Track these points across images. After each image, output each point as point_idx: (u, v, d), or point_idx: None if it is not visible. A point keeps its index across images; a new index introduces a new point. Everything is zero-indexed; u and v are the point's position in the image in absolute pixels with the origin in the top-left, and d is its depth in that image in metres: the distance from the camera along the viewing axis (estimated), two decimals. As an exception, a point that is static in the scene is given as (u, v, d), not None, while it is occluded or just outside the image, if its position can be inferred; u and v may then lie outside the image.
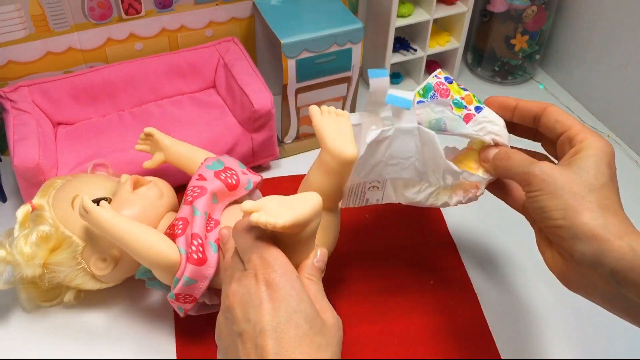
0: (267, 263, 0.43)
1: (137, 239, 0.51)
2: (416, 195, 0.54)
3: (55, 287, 0.59)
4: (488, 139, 0.51)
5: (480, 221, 0.71)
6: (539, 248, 0.47)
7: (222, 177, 0.57)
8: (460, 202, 0.53)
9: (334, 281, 0.61)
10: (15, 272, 0.55)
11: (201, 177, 0.56)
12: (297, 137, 0.80)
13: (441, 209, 0.72)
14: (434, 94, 0.53)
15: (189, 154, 0.62)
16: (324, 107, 0.55)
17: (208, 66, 0.77)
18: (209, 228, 0.54)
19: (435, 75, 0.54)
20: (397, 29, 0.81)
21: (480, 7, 0.87)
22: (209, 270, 0.52)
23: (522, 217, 0.71)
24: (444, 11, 0.83)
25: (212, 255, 0.52)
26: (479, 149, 0.53)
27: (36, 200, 0.57)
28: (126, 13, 0.73)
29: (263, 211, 0.43)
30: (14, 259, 0.54)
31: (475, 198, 0.53)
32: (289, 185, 0.72)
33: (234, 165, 0.60)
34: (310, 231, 0.46)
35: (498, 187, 0.54)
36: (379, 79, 0.51)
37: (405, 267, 0.65)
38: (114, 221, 0.51)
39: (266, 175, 0.76)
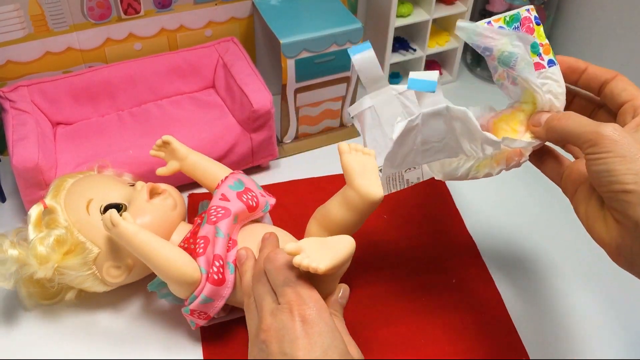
0: (302, 299, 0.45)
1: (161, 256, 0.51)
2: (455, 171, 0.52)
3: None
4: (546, 98, 0.49)
5: (498, 218, 0.71)
6: (587, 220, 0.45)
7: (244, 199, 0.57)
8: (501, 171, 0.51)
9: (359, 284, 0.62)
10: (23, 271, 0.55)
11: (224, 198, 0.57)
12: (297, 137, 0.79)
13: (457, 206, 0.72)
14: (518, 27, 0.50)
15: (204, 167, 0.62)
16: (352, 144, 0.56)
17: (207, 66, 0.77)
18: (227, 248, 0.54)
19: (528, 10, 0.50)
20: (397, 28, 0.81)
21: (480, 7, 0.87)
22: (227, 290, 0.53)
23: (540, 212, 0.72)
24: (444, 11, 0.83)
25: (229, 276, 0.53)
26: (529, 111, 0.50)
27: (49, 202, 0.57)
28: (125, 13, 0.73)
29: (304, 254, 0.45)
30: (27, 260, 0.54)
31: (518, 165, 0.51)
32: (290, 190, 0.73)
33: (252, 186, 0.60)
34: (341, 271, 0.49)
35: (537, 154, 0.51)
36: (361, 55, 0.49)
37: (426, 268, 0.65)
38: (140, 237, 0.51)
39: (265, 174, 0.76)
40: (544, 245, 0.68)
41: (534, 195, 0.74)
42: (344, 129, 0.82)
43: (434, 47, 0.87)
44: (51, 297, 0.59)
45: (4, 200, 0.71)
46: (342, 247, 0.47)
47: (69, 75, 0.72)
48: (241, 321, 0.58)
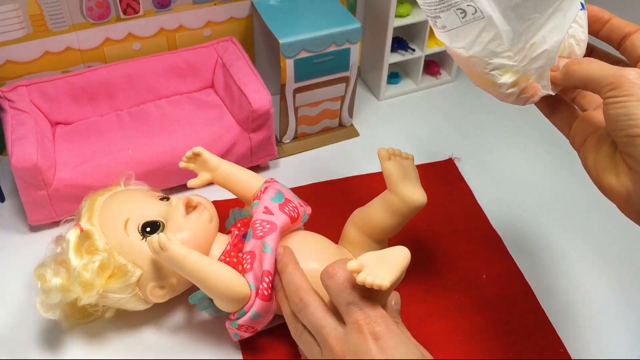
0: (369, 317, 0.45)
1: (213, 276, 0.51)
2: (490, 54, 0.46)
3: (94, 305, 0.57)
4: (569, 42, 0.46)
5: (521, 212, 0.72)
6: (596, 170, 0.44)
7: (287, 211, 0.56)
8: (510, 95, 0.47)
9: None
10: (64, 297, 0.53)
11: (268, 211, 0.56)
12: (296, 137, 0.80)
13: (479, 201, 0.72)
14: None
15: (237, 177, 0.60)
16: (391, 149, 0.57)
17: (206, 66, 0.77)
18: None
19: None
20: (396, 28, 0.81)
21: (479, 7, 0.87)
22: (275, 304, 0.53)
23: (562, 203, 0.72)
24: (442, 11, 0.83)
25: None
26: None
27: (84, 225, 0.55)
28: (124, 13, 0.73)
29: (367, 270, 0.45)
30: (71, 287, 0.52)
31: (524, 102, 0.48)
32: (312, 193, 0.72)
33: (290, 196, 0.59)
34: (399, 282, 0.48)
35: (549, 101, 0.50)
36: None
37: (454, 265, 0.65)
38: (191, 259, 0.50)
39: (264, 174, 0.75)
40: (569, 235, 0.69)
41: (556, 186, 0.75)
42: (342, 129, 0.82)
43: (432, 47, 0.87)
44: (87, 316, 0.57)
45: (3, 200, 0.71)
46: (400, 259, 0.47)
47: (68, 75, 0.72)
48: (279, 330, 0.58)
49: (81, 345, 0.58)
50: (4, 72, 0.71)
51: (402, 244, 0.66)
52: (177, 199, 0.57)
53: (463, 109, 0.87)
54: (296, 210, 0.58)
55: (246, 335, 0.55)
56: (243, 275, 0.52)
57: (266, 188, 0.58)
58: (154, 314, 0.59)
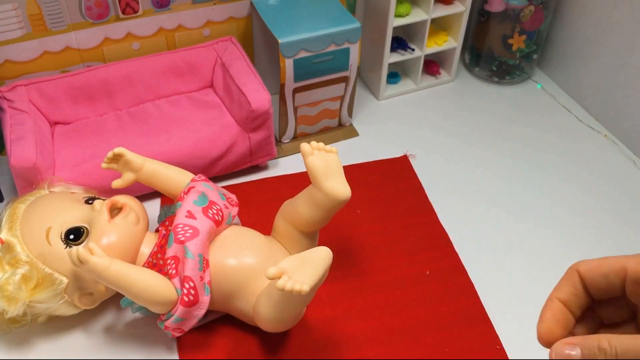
0: None
1: (138, 285, 0.50)
2: None
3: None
4: None
5: (470, 211, 0.72)
6: None
7: (210, 215, 0.56)
8: None
9: (334, 278, 0.62)
10: None
11: (190, 215, 0.55)
12: (295, 137, 0.79)
13: (430, 199, 0.72)
14: None
15: (163, 175, 0.60)
16: (314, 143, 0.56)
17: (205, 66, 0.77)
18: (203, 269, 0.53)
19: None
20: (395, 28, 0.81)
21: (478, 6, 0.87)
22: (200, 311, 0.53)
23: (512, 203, 0.72)
24: (442, 11, 0.83)
25: (204, 297, 0.53)
26: None
27: (5, 236, 0.54)
28: (123, 12, 0.73)
29: (286, 275, 0.45)
30: None
31: None
32: (284, 186, 0.73)
33: (216, 197, 0.58)
34: (322, 281, 0.48)
35: None
36: None
37: (400, 260, 0.65)
38: (113, 269, 0.49)
39: (264, 174, 0.76)
40: (516, 234, 0.69)
41: (506, 187, 0.75)
42: (342, 129, 0.82)
43: (432, 46, 0.87)
44: (19, 320, 0.56)
45: (1, 200, 0.71)
46: (321, 261, 0.47)
47: (67, 75, 0.72)
48: (215, 326, 0.58)
49: (7, 348, 0.57)
50: (2, 72, 0.71)
51: (348, 239, 0.67)
52: (101, 202, 0.56)
53: (462, 109, 0.87)
54: (220, 214, 0.57)
55: (177, 334, 0.55)
56: (171, 280, 0.52)
57: (190, 189, 0.58)
58: (86, 315, 0.59)
